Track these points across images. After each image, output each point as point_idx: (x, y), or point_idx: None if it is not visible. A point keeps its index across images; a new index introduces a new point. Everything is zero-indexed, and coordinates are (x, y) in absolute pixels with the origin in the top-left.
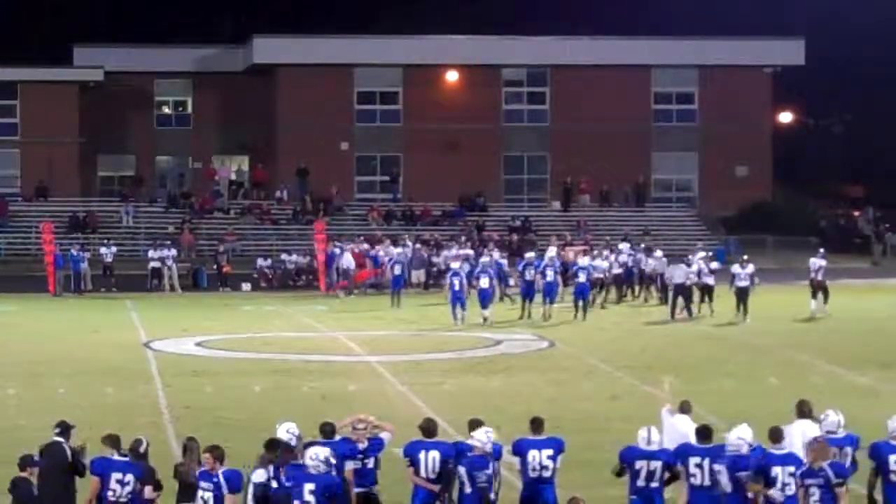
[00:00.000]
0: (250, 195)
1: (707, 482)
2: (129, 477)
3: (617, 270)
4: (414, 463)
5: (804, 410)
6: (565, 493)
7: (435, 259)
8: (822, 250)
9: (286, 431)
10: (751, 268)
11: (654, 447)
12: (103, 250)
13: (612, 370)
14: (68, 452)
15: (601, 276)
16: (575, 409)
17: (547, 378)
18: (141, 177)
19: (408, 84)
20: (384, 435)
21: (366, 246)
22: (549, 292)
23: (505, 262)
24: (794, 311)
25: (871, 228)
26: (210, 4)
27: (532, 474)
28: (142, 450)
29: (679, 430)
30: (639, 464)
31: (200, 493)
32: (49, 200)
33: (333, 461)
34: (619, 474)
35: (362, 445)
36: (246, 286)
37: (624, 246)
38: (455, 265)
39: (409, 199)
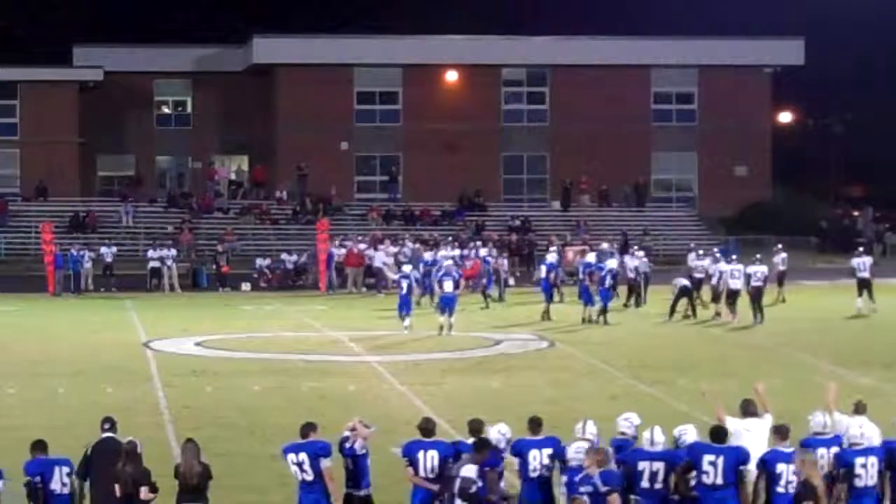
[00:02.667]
0: (250, 195)
1: (719, 481)
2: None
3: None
4: (413, 463)
5: (750, 410)
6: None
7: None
8: (861, 248)
9: (497, 432)
10: (765, 268)
11: (659, 448)
12: (104, 250)
13: (612, 370)
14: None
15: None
16: (575, 409)
17: (547, 378)
18: (140, 177)
19: (408, 84)
20: (357, 444)
21: (362, 246)
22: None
23: (506, 262)
24: (794, 311)
25: (872, 228)
26: (210, 4)
27: (533, 474)
28: (139, 451)
29: (851, 431)
30: (641, 465)
31: None
32: (49, 200)
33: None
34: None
35: (348, 445)
36: (246, 286)
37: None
38: (407, 269)
39: (409, 199)
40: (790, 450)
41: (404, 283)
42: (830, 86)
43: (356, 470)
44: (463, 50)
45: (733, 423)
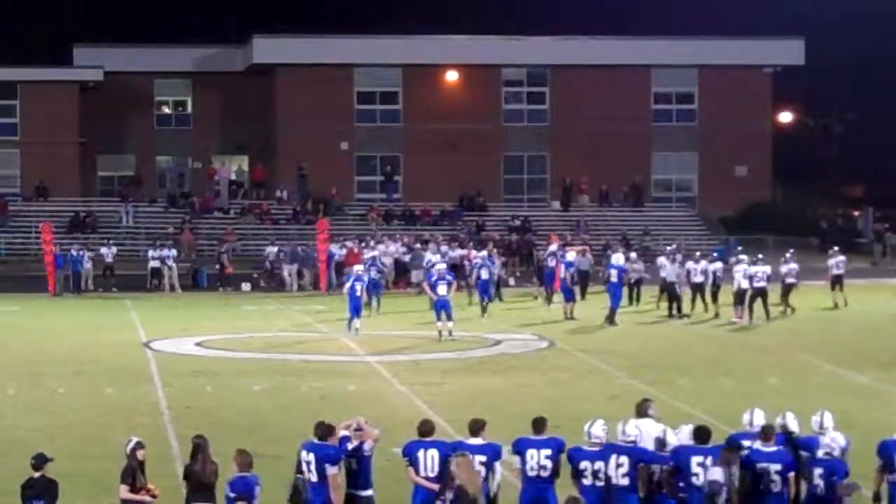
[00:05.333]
0: (250, 195)
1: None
2: None
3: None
4: (413, 462)
5: (643, 409)
6: (565, 493)
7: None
8: None
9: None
10: (768, 268)
11: (669, 450)
12: (103, 250)
13: (612, 370)
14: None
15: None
16: (575, 409)
17: (547, 378)
18: (141, 177)
19: (408, 84)
20: (367, 444)
21: (361, 244)
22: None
23: (499, 262)
24: (794, 311)
25: (871, 228)
26: (210, 4)
27: (531, 474)
28: (127, 450)
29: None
30: (654, 468)
31: None
32: (49, 200)
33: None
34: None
35: (351, 446)
36: (246, 286)
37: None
38: (359, 269)
39: (409, 199)
40: (773, 449)
41: (358, 286)
42: (830, 86)
43: (360, 470)
44: (463, 50)
45: None
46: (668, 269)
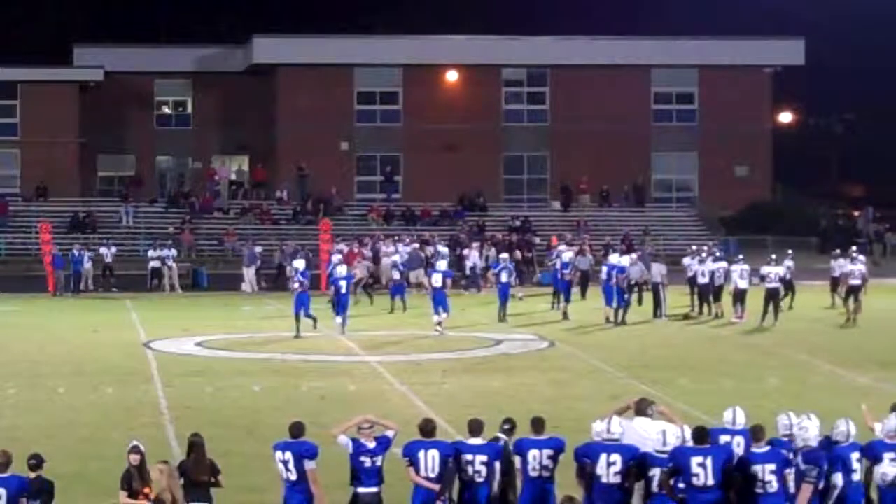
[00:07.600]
0: (250, 195)
1: (710, 482)
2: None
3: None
4: (414, 463)
5: (641, 408)
6: (564, 493)
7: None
8: None
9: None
10: (780, 269)
11: (668, 449)
12: (103, 250)
13: (612, 370)
14: None
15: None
16: (575, 409)
17: (547, 378)
18: (141, 177)
19: (408, 84)
20: (389, 433)
21: (356, 245)
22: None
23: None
24: (793, 312)
25: (871, 228)
26: (210, 4)
27: (532, 474)
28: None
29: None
30: (652, 471)
31: None
32: (49, 200)
33: None
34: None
35: (371, 445)
36: (246, 286)
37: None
38: (342, 269)
39: (409, 199)
40: (764, 450)
41: (343, 284)
42: (830, 86)
43: (377, 467)
44: (463, 50)
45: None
46: (654, 268)
